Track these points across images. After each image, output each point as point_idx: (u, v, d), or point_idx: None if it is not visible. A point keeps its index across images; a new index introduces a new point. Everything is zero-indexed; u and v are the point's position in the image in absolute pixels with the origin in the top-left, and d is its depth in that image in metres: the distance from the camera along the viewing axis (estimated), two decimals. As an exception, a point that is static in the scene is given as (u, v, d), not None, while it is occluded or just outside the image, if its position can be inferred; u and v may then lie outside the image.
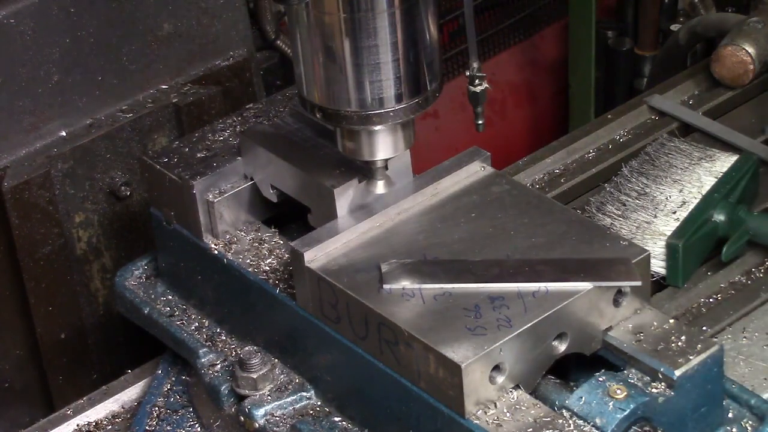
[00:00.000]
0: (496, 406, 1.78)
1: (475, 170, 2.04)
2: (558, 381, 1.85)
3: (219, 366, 2.06)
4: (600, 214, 2.22)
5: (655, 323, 1.87)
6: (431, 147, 3.18)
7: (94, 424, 2.18)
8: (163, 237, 2.18)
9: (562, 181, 2.37)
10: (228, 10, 2.56)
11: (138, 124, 2.48)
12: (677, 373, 1.81)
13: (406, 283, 1.86)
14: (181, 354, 2.14)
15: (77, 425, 2.18)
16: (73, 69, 2.42)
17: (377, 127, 1.94)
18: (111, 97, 2.47)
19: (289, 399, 2.00)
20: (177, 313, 2.16)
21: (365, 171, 2.01)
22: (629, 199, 2.23)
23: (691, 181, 2.24)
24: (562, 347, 1.83)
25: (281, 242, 2.09)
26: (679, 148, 2.32)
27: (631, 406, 1.78)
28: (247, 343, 2.07)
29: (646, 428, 1.79)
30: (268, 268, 2.05)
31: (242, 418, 2.00)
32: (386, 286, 1.86)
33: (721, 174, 2.24)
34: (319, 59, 1.91)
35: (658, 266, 2.14)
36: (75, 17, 2.40)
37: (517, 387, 1.81)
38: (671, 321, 1.87)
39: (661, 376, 1.82)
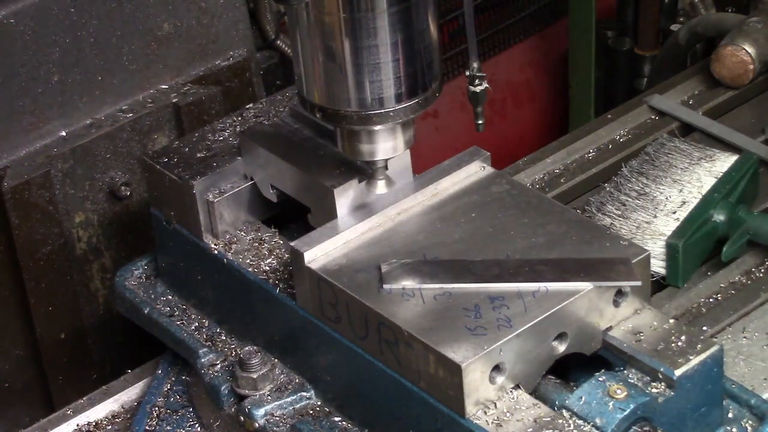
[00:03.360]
0: (496, 406, 1.78)
1: (475, 170, 2.03)
2: (558, 381, 1.85)
3: (219, 366, 2.06)
4: (600, 214, 2.21)
5: (655, 323, 1.87)
6: (431, 147, 3.17)
7: (94, 424, 2.18)
8: (163, 237, 2.18)
9: (562, 181, 2.37)
10: (228, 10, 2.56)
11: (138, 124, 2.48)
12: (677, 373, 1.81)
13: (406, 283, 1.86)
14: (181, 354, 2.14)
15: (77, 425, 2.18)
16: (73, 69, 2.42)
17: (377, 127, 1.93)
18: (111, 97, 2.47)
19: (289, 399, 2.00)
20: (177, 313, 2.16)
21: (365, 171, 2.00)
22: (629, 199, 2.23)
23: (691, 181, 2.24)
24: (562, 347, 1.83)
25: (281, 242, 2.09)
26: (679, 148, 2.32)
27: (631, 406, 1.78)
28: (247, 343, 2.07)
29: (646, 428, 1.79)
30: (268, 268, 2.05)
31: (242, 418, 2.00)
32: (386, 286, 1.86)
33: (721, 174, 2.24)
34: (319, 59, 1.90)
35: (658, 266, 2.14)
36: (75, 17, 2.40)
37: (517, 387, 1.80)
38: (671, 321, 1.87)
39: (661, 376, 1.81)
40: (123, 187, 2.48)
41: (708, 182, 2.23)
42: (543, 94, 3.43)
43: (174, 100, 2.49)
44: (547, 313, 1.80)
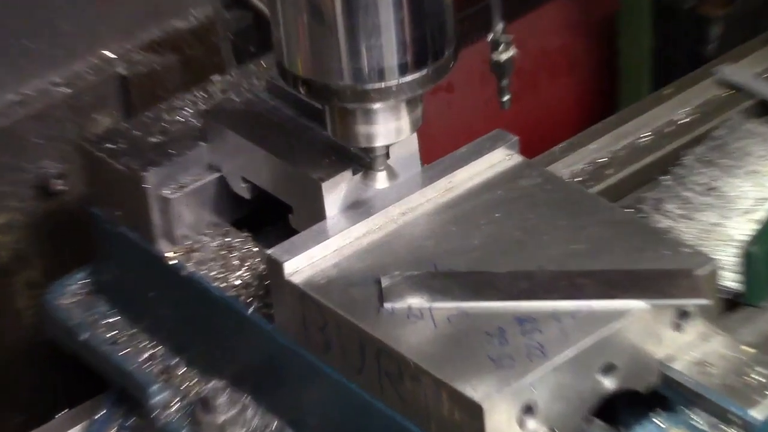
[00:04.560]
0: (525, 457, 1.79)
1: (500, 159, 2.04)
2: (605, 425, 1.86)
3: (176, 406, 2.07)
4: (657, 214, 2.22)
5: (725, 352, 1.87)
6: (444, 130, 3.18)
7: (20, 477, 2.19)
8: (107, 243, 2.18)
9: (608, 172, 2.37)
10: (189, -42, 2.57)
11: (75, 100, 2.48)
12: (754, 414, 1.81)
13: (412, 301, 1.86)
14: (128, 391, 2.14)
15: (-2, 480, 2.19)
16: (-8, 32, 2.43)
17: (377, 105, 1.93)
18: (41, 66, 2.47)
19: (265, 447, 2.01)
20: (123, 339, 2.17)
21: (361, 160, 2.01)
22: (694, 195, 2.23)
23: (772, 173, 2.25)
24: (609, 383, 1.83)
25: (255, 250, 2.10)
26: (756, 132, 2.32)
27: (696, 456, 1.79)
28: (211, 378, 2.07)
29: (714, 483, 1.79)
30: (238, 283, 2.05)
31: (206, 472, 2.01)
32: (387, 305, 1.86)
33: (810, 164, 2.25)
34: (304, 20, 1.90)
35: (730, 280, 2.14)
36: (-7, -35, 2.41)
37: (552, 432, 1.81)
38: (746, 349, 1.87)
39: (732, 418, 1.82)
40: (56, 181, 2.49)
41: (792, 174, 2.24)
42: (585, 63, 3.44)
43: (121, 71, 2.49)
44: (591, 339, 1.80)
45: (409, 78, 1.92)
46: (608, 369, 1.83)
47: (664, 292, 1.84)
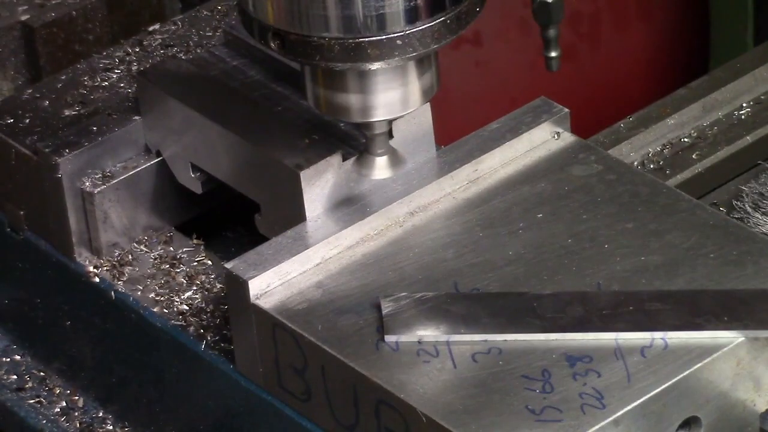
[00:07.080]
0: None
1: (544, 138, 2.08)
2: (684, 499, 1.89)
3: (103, 476, 2.11)
4: (759, 214, 2.23)
5: None
6: (469, 97, 3.19)
7: None
8: (6, 254, 2.22)
9: (694, 157, 2.39)
10: None
11: (-40, 58, 2.52)
12: None
13: (424, 334, 1.89)
14: (37, 455, 2.18)
15: None
16: None
17: (375, 65, 1.95)
18: None
19: None
20: (30, 384, 2.20)
21: (354, 141, 2.05)
22: (809, 188, 2.26)
23: None
24: (691, 443, 1.88)
25: (209, 263, 2.14)
26: None
27: None
28: (150, 437, 2.12)
29: None
30: (186, 308, 2.09)
31: None
32: (390, 339, 1.90)
33: None
34: (275, -53, 1.93)
35: None
36: None
37: None
38: None
39: None
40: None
41: None
42: (664, 6, 3.43)
43: (24, 18, 2.52)
44: (667, 384, 1.83)
45: (420, 28, 1.93)
46: (690, 425, 1.86)
47: (765, 320, 1.88)
